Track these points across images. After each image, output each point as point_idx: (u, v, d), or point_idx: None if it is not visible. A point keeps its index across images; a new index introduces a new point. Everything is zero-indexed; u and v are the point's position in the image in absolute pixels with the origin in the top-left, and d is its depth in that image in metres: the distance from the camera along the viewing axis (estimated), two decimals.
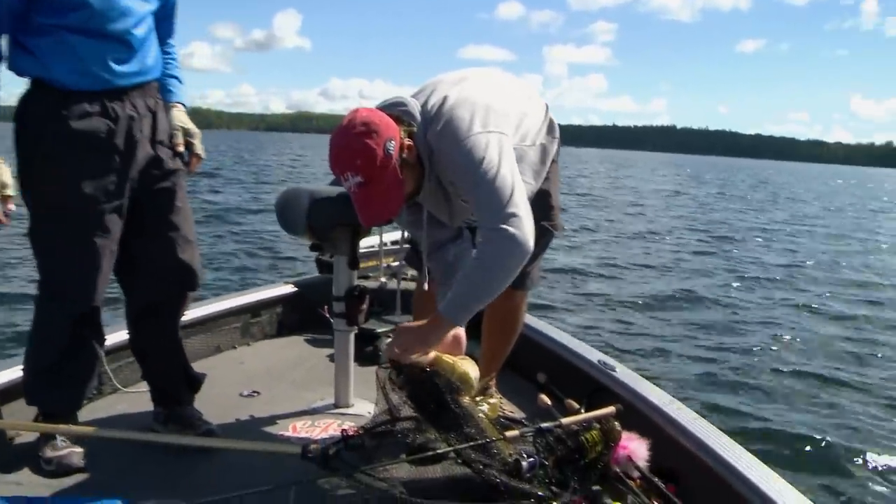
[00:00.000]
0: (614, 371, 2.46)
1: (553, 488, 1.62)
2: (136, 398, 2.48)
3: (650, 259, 11.66)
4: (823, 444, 4.33)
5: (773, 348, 6.57)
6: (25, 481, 1.94)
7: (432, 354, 1.88)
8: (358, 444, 1.78)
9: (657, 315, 7.72)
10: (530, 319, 2.83)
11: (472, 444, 1.65)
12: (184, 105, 2.23)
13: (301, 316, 3.46)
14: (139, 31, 1.99)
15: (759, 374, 5.73)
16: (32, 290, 2.13)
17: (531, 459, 1.64)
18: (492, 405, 2.14)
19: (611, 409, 1.96)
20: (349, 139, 1.75)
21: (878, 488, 3.90)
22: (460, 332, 1.97)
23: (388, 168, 1.76)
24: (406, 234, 2.34)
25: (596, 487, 1.66)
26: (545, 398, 2.33)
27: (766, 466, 1.82)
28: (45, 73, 1.91)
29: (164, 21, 2.16)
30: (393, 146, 1.76)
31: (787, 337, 6.99)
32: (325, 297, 2.67)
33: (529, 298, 2.46)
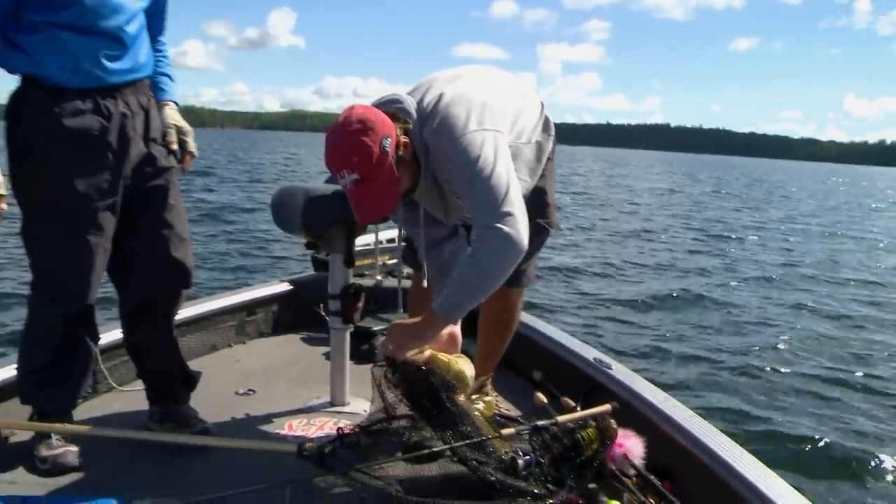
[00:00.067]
0: (610, 369, 2.46)
1: (549, 486, 1.62)
2: (131, 397, 2.47)
3: (646, 258, 11.68)
4: (820, 442, 4.34)
5: (769, 347, 6.58)
6: (20, 480, 1.93)
7: (428, 352, 1.88)
8: (354, 443, 1.78)
9: (653, 314, 7.74)
10: (526, 317, 2.83)
11: (468, 441, 1.65)
12: (176, 103, 2.23)
13: (297, 314, 3.46)
14: (131, 28, 1.98)
15: (755, 373, 5.74)
16: (25, 289, 2.12)
17: (527, 457, 1.63)
18: (487, 403, 2.15)
19: (607, 406, 1.96)
20: (345, 136, 1.75)
21: (877, 488, 3.91)
22: (456, 330, 1.97)
23: (384, 165, 1.75)
24: (403, 232, 2.34)
25: (592, 485, 1.66)
26: (541, 396, 2.33)
27: (761, 464, 1.82)
28: (37, 71, 1.90)
29: (155, 18, 2.15)
30: (389, 143, 1.75)
31: (783, 336, 6.99)
32: (320, 296, 2.67)
33: (525, 297, 2.46)
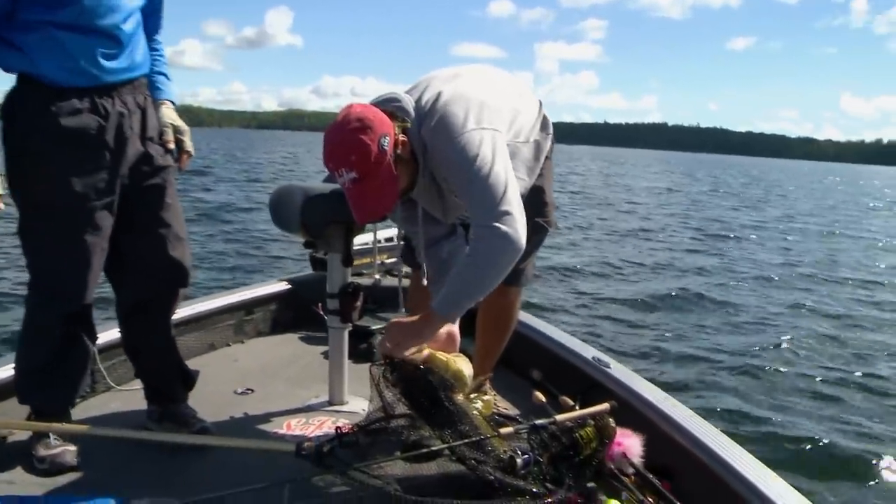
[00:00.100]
0: (609, 368, 2.46)
1: (548, 485, 1.62)
2: (129, 396, 2.47)
3: (644, 257, 11.68)
4: (819, 441, 4.34)
5: (767, 346, 6.58)
6: (18, 480, 1.93)
7: (426, 352, 1.88)
8: (352, 442, 1.78)
9: (651, 313, 7.74)
10: (524, 316, 2.83)
11: (466, 441, 1.65)
12: (172, 102, 2.22)
13: (295, 313, 3.45)
14: (128, 27, 1.97)
15: (753, 372, 5.74)
16: (23, 289, 2.11)
17: (526, 456, 1.63)
18: (486, 402, 2.14)
19: (605, 405, 1.96)
20: (344, 135, 1.75)
21: (877, 488, 3.91)
22: (454, 329, 1.97)
23: (382, 164, 1.75)
24: (401, 231, 2.33)
25: (591, 484, 1.66)
26: (539, 395, 2.33)
27: (760, 463, 1.83)
28: (33, 69, 1.89)
29: (150, 16, 2.14)
30: (387, 142, 1.75)
31: (782, 335, 6.99)
32: (319, 295, 2.67)
33: (523, 296, 2.46)
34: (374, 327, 3.15)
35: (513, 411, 2.42)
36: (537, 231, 2.14)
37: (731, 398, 5.12)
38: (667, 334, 6.84)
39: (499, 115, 1.90)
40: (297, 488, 1.67)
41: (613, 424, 1.86)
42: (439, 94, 1.86)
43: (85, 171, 1.93)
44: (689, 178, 48.54)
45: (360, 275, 3.70)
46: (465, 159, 1.77)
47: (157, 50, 2.21)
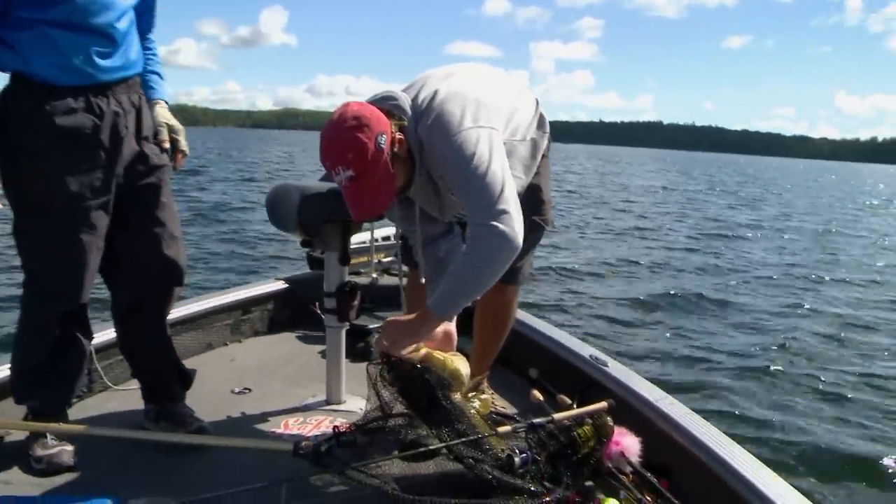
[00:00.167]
0: (606, 366, 2.46)
1: (545, 484, 1.62)
2: (126, 396, 2.47)
3: (640, 256, 11.69)
4: (818, 441, 4.34)
5: (765, 345, 6.58)
6: (15, 480, 1.93)
7: (423, 351, 1.87)
8: (350, 441, 1.78)
9: (648, 311, 7.75)
10: (522, 315, 2.83)
11: (464, 440, 1.65)
12: (166, 101, 2.21)
13: (292, 312, 3.45)
14: (122, 25, 1.97)
15: (751, 371, 5.74)
16: (18, 290, 2.11)
17: (523, 455, 1.63)
18: (483, 401, 2.15)
19: (603, 404, 1.96)
20: (340, 133, 1.74)
21: (876, 487, 3.90)
22: (451, 328, 1.97)
23: (379, 162, 1.75)
24: (399, 229, 2.33)
25: (588, 483, 1.66)
26: (537, 394, 2.33)
27: (757, 461, 1.83)
28: (27, 68, 1.88)
29: (144, 15, 2.13)
30: (384, 140, 1.75)
31: (780, 334, 7.00)
32: (316, 294, 2.66)
33: (520, 295, 2.46)
34: (371, 326, 3.15)
35: (510, 410, 2.42)
36: (534, 229, 2.14)
37: (728, 397, 5.12)
38: (664, 333, 6.84)
39: (495, 114, 1.90)
40: (294, 488, 1.66)
41: (611, 423, 1.87)
42: (436, 93, 1.86)
43: (80, 171, 1.92)
44: (684, 176, 48.60)
45: (357, 273, 3.70)
46: (461, 157, 1.77)
47: (150, 49, 2.20)
